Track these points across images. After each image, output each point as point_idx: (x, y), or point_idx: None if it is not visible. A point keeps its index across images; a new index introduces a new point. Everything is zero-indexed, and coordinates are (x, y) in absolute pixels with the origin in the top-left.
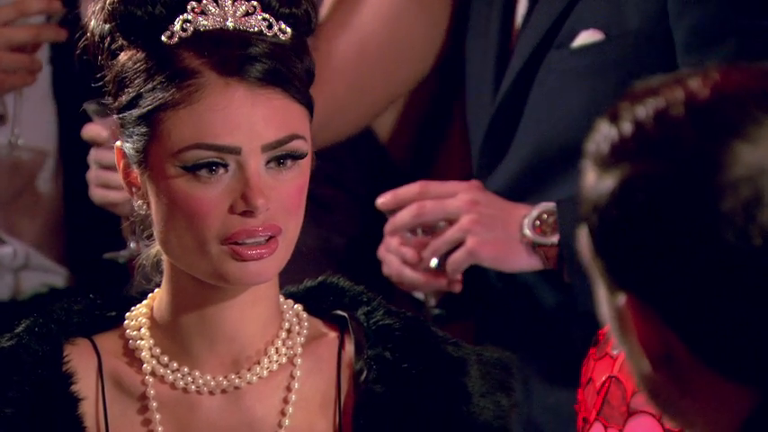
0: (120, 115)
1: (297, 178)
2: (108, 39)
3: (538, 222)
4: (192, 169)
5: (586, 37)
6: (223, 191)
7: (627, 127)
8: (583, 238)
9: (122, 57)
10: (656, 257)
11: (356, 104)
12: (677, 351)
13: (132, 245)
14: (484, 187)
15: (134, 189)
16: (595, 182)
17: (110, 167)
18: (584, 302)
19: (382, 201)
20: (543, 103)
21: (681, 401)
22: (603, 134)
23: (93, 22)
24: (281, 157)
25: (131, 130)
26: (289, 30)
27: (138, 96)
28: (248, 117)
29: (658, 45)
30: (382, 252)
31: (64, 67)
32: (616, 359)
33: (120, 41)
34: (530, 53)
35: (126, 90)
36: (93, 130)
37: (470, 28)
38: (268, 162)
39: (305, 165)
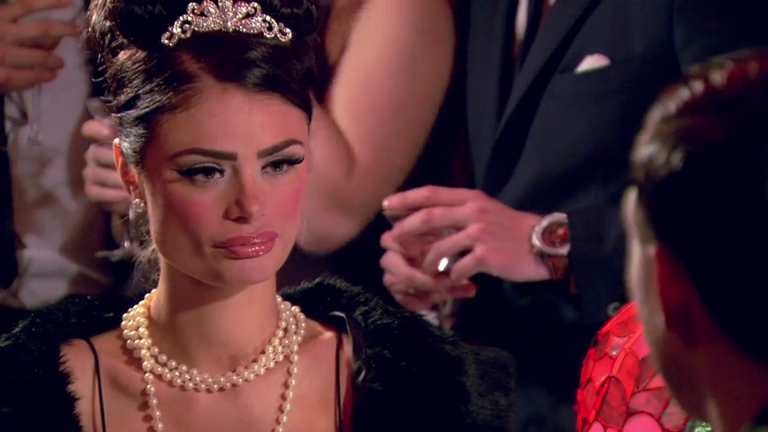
0: (119, 114)
1: (293, 182)
2: (108, 36)
3: (547, 233)
4: (188, 173)
5: (591, 62)
6: (218, 196)
7: (698, 86)
8: (630, 195)
9: (122, 55)
10: (695, 210)
11: (387, 164)
12: (695, 312)
13: (126, 244)
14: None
15: (131, 187)
16: (652, 135)
17: (108, 165)
18: (589, 313)
19: (389, 203)
20: (547, 127)
21: (691, 370)
22: (673, 95)
23: (94, 17)
24: (277, 161)
25: (129, 129)
26: (289, 31)
27: (137, 97)
28: (245, 123)
29: (663, 70)
30: (386, 259)
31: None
32: (615, 359)
33: (121, 39)
34: (534, 77)
35: (125, 89)
36: (93, 128)
37: (471, 37)
38: (264, 167)
39: (301, 169)
